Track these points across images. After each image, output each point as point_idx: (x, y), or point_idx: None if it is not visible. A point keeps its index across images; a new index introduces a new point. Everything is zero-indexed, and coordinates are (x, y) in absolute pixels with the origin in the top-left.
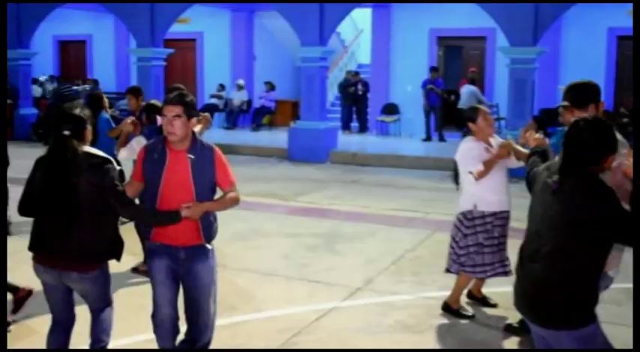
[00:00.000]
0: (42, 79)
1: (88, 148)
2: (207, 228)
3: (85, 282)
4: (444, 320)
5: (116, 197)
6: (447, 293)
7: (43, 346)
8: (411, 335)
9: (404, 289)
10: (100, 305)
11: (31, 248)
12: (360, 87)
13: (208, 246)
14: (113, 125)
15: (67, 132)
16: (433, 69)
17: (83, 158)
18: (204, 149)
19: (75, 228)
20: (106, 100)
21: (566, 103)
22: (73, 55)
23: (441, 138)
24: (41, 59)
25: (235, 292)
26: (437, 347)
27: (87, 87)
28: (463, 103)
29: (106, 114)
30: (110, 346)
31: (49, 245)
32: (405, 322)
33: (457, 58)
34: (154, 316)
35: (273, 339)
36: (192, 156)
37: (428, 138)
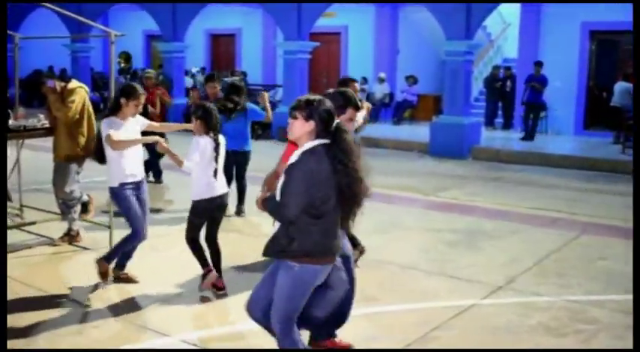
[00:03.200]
0: (193, 70)
1: None
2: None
3: None
4: (588, 325)
5: None
6: (594, 297)
7: None
8: (552, 339)
9: (547, 291)
10: None
11: None
12: (508, 83)
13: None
14: None
15: None
16: (538, 63)
17: None
18: None
19: None
20: None
21: None
22: (223, 48)
23: (531, 137)
24: (193, 52)
25: (375, 283)
26: None
27: (235, 79)
28: (615, 101)
29: None
30: None
31: None
32: (547, 324)
33: (612, 54)
34: None
35: (411, 332)
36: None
37: (528, 136)
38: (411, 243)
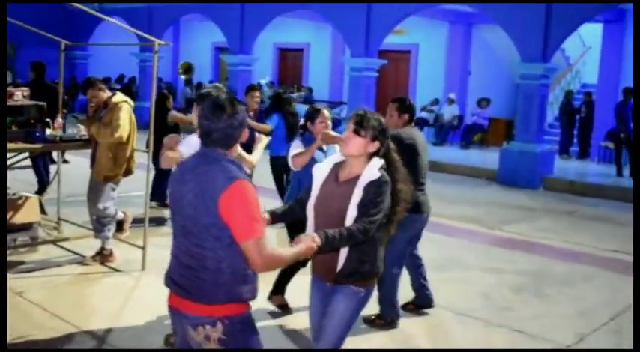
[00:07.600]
0: (263, 82)
1: None
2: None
3: None
4: None
5: None
6: None
7: None
8: None
9: None
10: None
11: None
12: (583, 108)
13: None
14: None
15: None
16: (628, 90)
17: None
18: None
19: None
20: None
21: None
22: (290, 62)
23: (619, 173)
24: (261, 65)
25: (424, 332)
26: None
27: (302, 94)
28: None
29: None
30: None
31: None
32: None
33: None
34: None
35: None
36: None
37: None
38: (469, 285)
